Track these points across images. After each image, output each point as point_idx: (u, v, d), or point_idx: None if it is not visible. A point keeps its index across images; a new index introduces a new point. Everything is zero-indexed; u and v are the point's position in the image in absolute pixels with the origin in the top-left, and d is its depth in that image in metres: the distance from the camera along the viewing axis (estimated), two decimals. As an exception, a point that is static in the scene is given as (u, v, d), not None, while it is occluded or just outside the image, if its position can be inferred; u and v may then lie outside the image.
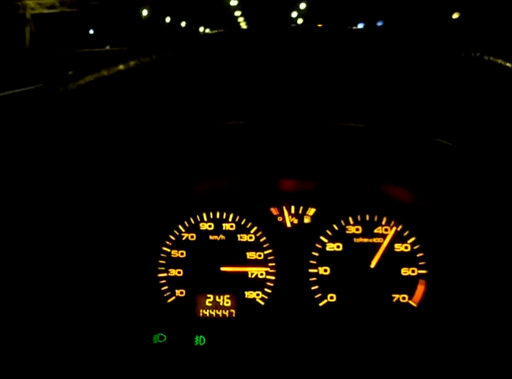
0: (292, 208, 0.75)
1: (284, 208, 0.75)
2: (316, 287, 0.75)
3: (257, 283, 0.75)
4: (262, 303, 0.75)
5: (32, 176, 0.61)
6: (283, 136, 0.68)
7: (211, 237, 0.76)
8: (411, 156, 0.67)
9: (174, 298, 0.76)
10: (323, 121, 0.66)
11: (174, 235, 0.76)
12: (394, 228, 0.74)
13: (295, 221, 0.75)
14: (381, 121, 0.64)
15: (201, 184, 0.74)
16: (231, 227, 0.75)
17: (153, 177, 0.70)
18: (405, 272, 0.75)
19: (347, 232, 0.75)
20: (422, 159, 0.67)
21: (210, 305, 0.76)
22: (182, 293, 0.76)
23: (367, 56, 0.59)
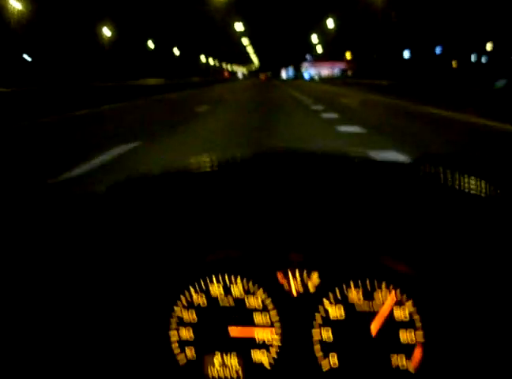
0: (297, 273, 0.77)
1: (290, 273, 0.78)
2: (319, 351, 0.77)
3: (263, 345, 0.78)
4: (268, 367, 0.78)
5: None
6: (289, 213, 0.75)
7: (220, 299, 0.78)
8: (407, 232, 0.74)
9: (184, 359, 0.78)
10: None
11: (185, 297, 0.78)
12: (393, 294, 0.76)
13: (300, 287, 0.77)
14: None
15: (212, 255, 0.77)
16: (240, 290, 0.78)
17: (167, 247, 0.75)
18: (403, 336, 0.77)
19: (349, 297, 0.77)
20: (419, 235, 0.74)
21: (219, 365, 0.78)
22: (192, 354, 0.78)
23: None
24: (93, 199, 0.81)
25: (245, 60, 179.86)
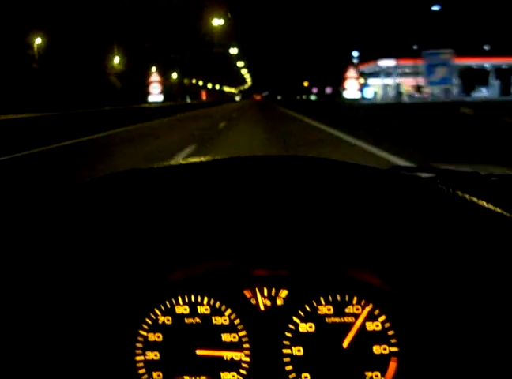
0: (265, 290, 0.76)
1: (257, 290, 0.76)
2: (290, 367, 0.75)
3: (233, 365, 0.76)
4: None
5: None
6: (254, 229, 0.72)
7: (186, 320, 0.76)
8: (377, 244, 0.71)
9: None
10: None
11: (150, 319, 0.76)
12: (365, 308, 0.75)
13: (268, 303, 0.76)
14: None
15: (175, 272, 0.76)
16: (206, 310, 0.77)
17: (126, 265, 0.72)
18: (377, 350, 0.75)
19: (319, 312, 0.76)
20: (388, 246, 0.71)
21: None
22: (159, 376, 0.76)
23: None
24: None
25: (237, 79, 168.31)
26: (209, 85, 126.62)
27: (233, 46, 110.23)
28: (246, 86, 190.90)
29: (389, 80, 61.91)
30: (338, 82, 74.43)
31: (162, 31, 60.49)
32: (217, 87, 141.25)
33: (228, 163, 0.75)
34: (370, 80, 63.59)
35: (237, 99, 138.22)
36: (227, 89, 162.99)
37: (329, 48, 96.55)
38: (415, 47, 57.33)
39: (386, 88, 63.23)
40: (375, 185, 0.72)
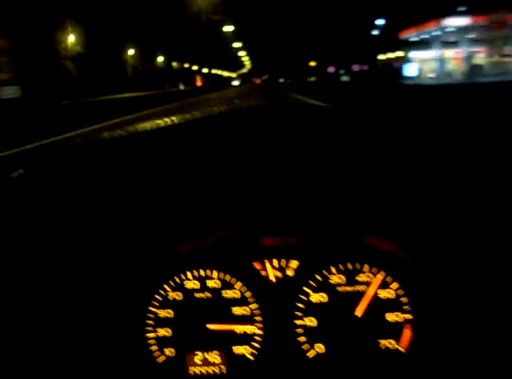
0: (275, 261, 0.75)
1: (267, 262, 0.75)
2: (303, 338, 0.75)
3: (245, 339, 0.76)
4: (252, 358, 0.76)
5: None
6: (261, 194, 0.72)
7: (196, 295, 0.76)
8: (390, 209, 0.71)
9: (164, 357, 0.76)
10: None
11: (160, 295, 0.76)
12: (377, 275, 0.75)
13: (279, 274, 0.75)
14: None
15: (182, 245, 0.75)
16: (216, 284, 0.76)
17: (132, 239, 0.72)
18: (390, 317, 0.75)
19: (330, 282, 0.75)
20: (401, 210, 0.71)
21: (200, 363, 0.76)
22: (171, 352, 0.76)
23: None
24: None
25: (234, 62, 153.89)
26: (205, 70, 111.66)
27: (228, 24, 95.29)
28: (245, 70, 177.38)
29: (448, 51, 43.55)
30: (357, 58, 59.64)
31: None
32: (214, 71, 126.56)
33: (234, 123, 0.75)
34: (414, 53, 46.75)
35: (235, 83, 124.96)
36: (225, 74, 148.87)
37: (343, 18, 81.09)
38: (461, 9, 42.74)
39: (441, 62, 44.56)
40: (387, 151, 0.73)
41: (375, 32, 60.98)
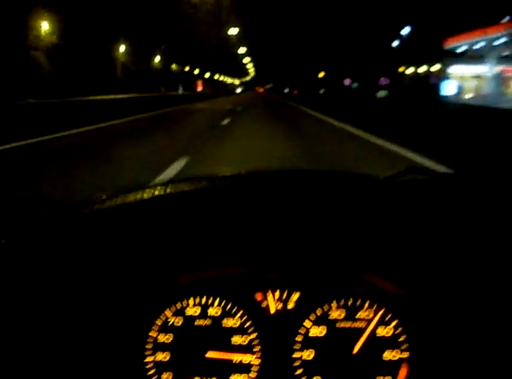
0: (276, 293, 0.76)
1: (268, 293, 0.76)
2: (300, 371, 0.75)
3: (243, 368, 0.76)
4: None
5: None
6: (266, 233, 0.73)
7: (197, 322, 0.76)
8: (390, 251, 0.72)
9: None
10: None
11: (160, 320, 0.76)
12: (377, 312, 0.75)
13: (280, 306, 0.76)
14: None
15: (185, 276, 0.76)
16: (217, 312, 0.76)
17: (137, 269, 0.73)
18: (388, 355, 0.75)
19: (330, 317, 0.75)
20: (401, 254, 0.72)
21: None
22: (169, 377, 0.76)
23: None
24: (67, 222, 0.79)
25: (238, 69, 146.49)
26: (207, 75, 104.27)
27: (233, 27, 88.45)
28: (248, 78, 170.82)
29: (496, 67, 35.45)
30: (380, 71, 52.31)
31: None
32: (216, 77, 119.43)
33: (239, 177, 0.78)
34: (456, 68, 39.15)
35: (237, 91, 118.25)
36: (228, 80, 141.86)
37: (362, 25, 73.85)
38: (506, 19, 36.33)
39: (491, 80, 37.09)
40: (386, 197, 0.76)
41: (398, 42, 53.44)
